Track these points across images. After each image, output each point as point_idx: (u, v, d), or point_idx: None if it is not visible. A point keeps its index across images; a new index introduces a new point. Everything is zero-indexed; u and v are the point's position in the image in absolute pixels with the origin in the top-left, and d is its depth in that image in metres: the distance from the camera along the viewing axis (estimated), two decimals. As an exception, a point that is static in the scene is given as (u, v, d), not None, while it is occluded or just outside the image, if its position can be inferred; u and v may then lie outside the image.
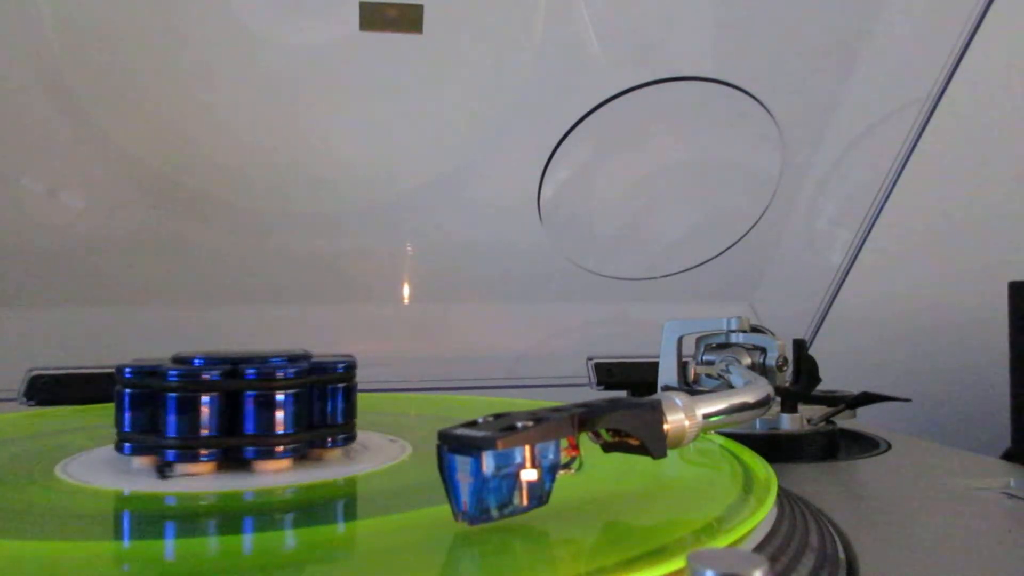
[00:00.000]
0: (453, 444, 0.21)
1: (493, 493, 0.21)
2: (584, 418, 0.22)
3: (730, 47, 0.53)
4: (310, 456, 0.31)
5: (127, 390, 0.29)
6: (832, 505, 0.30)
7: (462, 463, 0.20)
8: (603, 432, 0.24)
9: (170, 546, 0.23)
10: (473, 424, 0.21)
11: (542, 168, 0.55)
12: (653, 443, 0.24)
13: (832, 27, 0.53)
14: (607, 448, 0.25)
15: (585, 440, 0.24)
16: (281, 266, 0.55)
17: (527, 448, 0.21)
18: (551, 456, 0.22)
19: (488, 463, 0.20)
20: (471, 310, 0.60)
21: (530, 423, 0.21)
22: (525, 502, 0.21)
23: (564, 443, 0.22)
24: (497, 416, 0.22)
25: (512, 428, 0.21)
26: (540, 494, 0.22)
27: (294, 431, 0.29)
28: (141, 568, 0.21)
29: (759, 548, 0.23)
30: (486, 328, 0.60)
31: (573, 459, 0.22)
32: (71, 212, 0.50)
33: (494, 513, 0.21)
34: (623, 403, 0.24)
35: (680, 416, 0.25)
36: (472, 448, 0.20)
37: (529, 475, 0.21)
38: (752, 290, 0.64)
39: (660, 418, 0.24)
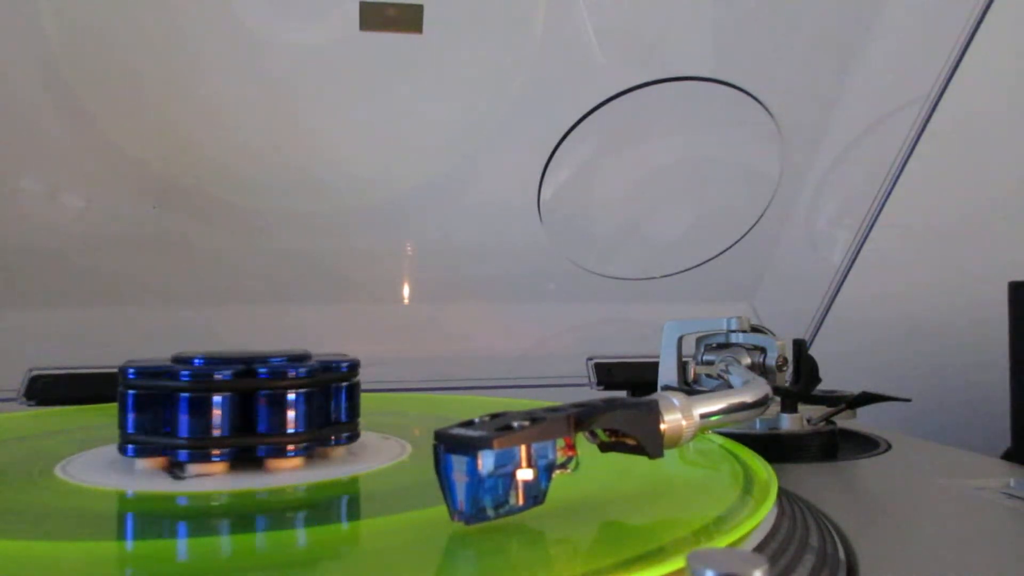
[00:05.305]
0: (449, 443, 0.21)
1: (489, 493, 0.21)
2: (580, 418, 0.22)
3: (730, 47, 0.53)
4: (315, 454, 0.31)
5: (132, 391, 0.29)
6: (832, 505, 0.30)
7: (458, 462, 0.20)
8: (600, 432, 0.24)
9: (171, 546, 0.23)
10: (469, 424, 0.21)
11: (542, 168, 0.55)
12: (650, 443, 0.24)
13: (832, 27, 0.53)
14: (604, 448, 0.25)
15: (584, 440, 0.24)
16: (281, 266, 0.56)
17: (523, 448, 0.21)
18: (547, 456, 0.22)
19: (484, 463, 0.20)
20: (471, 310, 0.60)
21: (526, 423, 0.21)
22: (521, 502, 0.21)
23: (561, 443, 0.22)
24: (493, 416, 0.22)
25: (508, 428, 0.21)
26: (536, 494, 0.22)
27: (305, 430, 0.29)
28: (142, 568, 0.21)
29: (759, 548, 0.23)
30: (486, 328, 0.60)
31: (570, 459, 0.22)
32: (71, 212, 0.50)
33: (490, 513, 0.21)
34: (619, 403, 0.24)
35: (677, 416, 0.25)
36: (468, 448, 0.20)
37: (525, 475, 0.21)
38: (752, 290, 0.64)
39: (656, 418, 0.24)
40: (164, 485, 0.27)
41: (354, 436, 0.32)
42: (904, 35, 0.53)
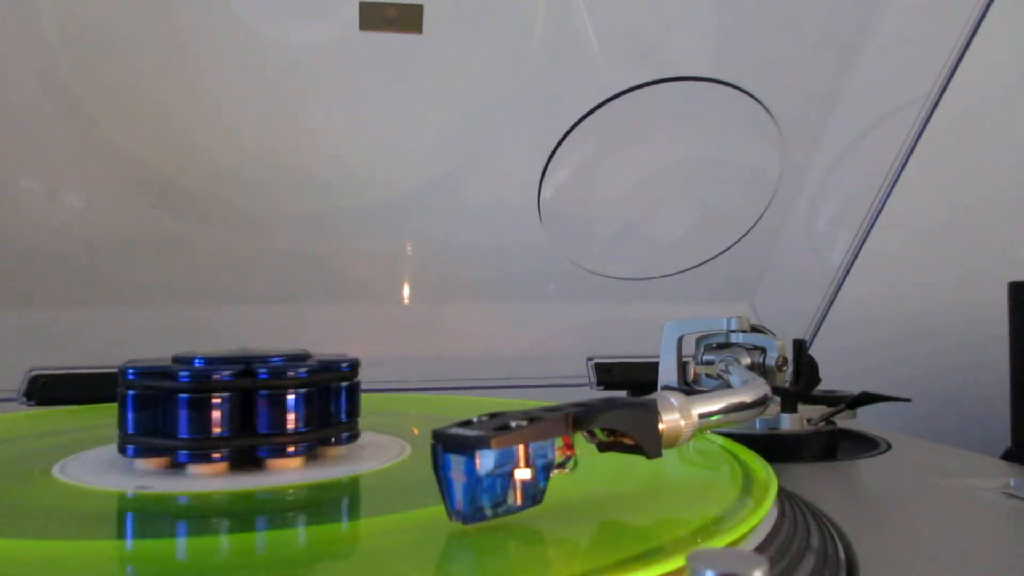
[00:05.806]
0: (447, 443, 0.21)
1: (487, 492, 0.21)
2: (579, 417, 0.22)
3: (730, 47, 0.53)
4: (315, 454, 0.31)
5: (131, 391, 0.29)
6: (832, 505, 0.30)
7: (456, 462, 0.20)
8: (598, 432, 0.24)
9: (168, 545, 0.23)
10: (467, 423, 0.21)
11: (542, 168, 0.55)
12: (648, 443, 0.24)
13: (832, 27, 0.53)
14: (602, 448, 0.25)
15: (582, 440, 0.24)
16: (281, 266, 0.56)
17: (521, 447, 0.21)
18: (546, 455, 0.22)
19: (482, 462, 0.20)
20: (471, 310, 0.60)
21: (524, 422, 0.21)
22: (519, 501, 0.21)
23: (559, 442, 0.22)
24: (491, 415, 0.22)
25: (506, 427, 0.21)
26: (534, 493, 0.22)
27: (305, 430, 0.29)
28: (141, 568, 0.21)
29: (759, 548, 0.23)
30: (486, 328, 0.60)
31: (568, 458, 0.22)
32: (71, 212, 0.50)
33: (488, 512, 0.21)
34: (618, 403, 0.24)
35: (675, 416, 0.25)
36: (466, 447, 0.20)
37: (523, 474, 0.21)
38: (752, 290, 0.64)
39: (655, 418, 0.24)
40: (162, 484, 0.27)
41: (354, 436, 0.32)
42: (904, 35, 0.53)
